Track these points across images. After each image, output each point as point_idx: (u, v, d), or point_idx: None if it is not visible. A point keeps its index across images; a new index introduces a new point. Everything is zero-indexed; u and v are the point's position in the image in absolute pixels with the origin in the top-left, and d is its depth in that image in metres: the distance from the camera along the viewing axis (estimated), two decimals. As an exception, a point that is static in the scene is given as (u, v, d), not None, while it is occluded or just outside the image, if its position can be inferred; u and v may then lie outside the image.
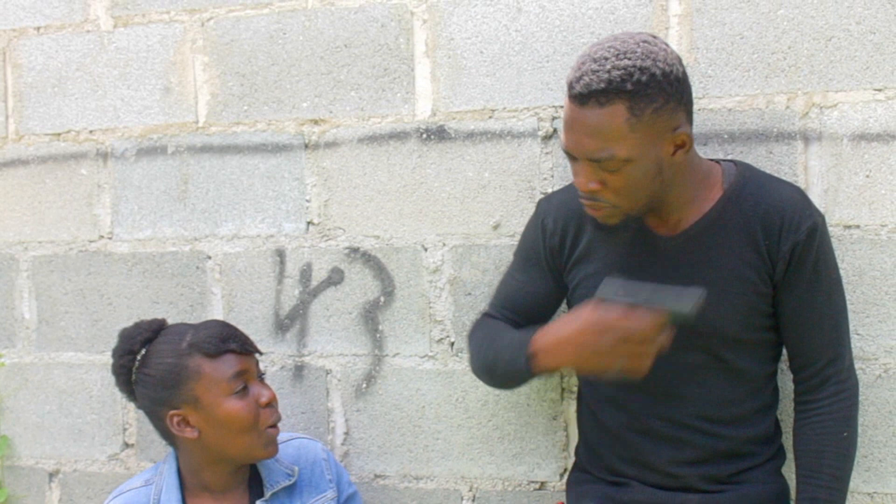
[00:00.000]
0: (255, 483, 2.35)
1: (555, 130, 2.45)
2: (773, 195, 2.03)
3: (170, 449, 2.37)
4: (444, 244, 2.56)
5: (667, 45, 1.94)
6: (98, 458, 2.88)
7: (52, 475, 2.93)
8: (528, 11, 2.46)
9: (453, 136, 2.54)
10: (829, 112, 2.28)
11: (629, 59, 1.85)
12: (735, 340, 2.05)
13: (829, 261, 2.07)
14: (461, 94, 2.53)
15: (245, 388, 2.25)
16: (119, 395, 2.82)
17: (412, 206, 2.58)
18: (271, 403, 2.28)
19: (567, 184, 2.25)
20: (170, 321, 2.72)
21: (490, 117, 2.51)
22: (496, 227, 2.52)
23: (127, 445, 2.85)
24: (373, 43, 2.59)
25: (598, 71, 1.86)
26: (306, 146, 2.66)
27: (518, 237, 2.45)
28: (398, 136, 2.59)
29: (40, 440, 2.94)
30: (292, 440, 2.44)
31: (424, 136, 2.56)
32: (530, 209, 2.43)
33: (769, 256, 2.01)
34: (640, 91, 1.84)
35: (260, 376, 2.31)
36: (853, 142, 2.27)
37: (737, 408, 2.10)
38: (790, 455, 2.18)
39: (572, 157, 1.96)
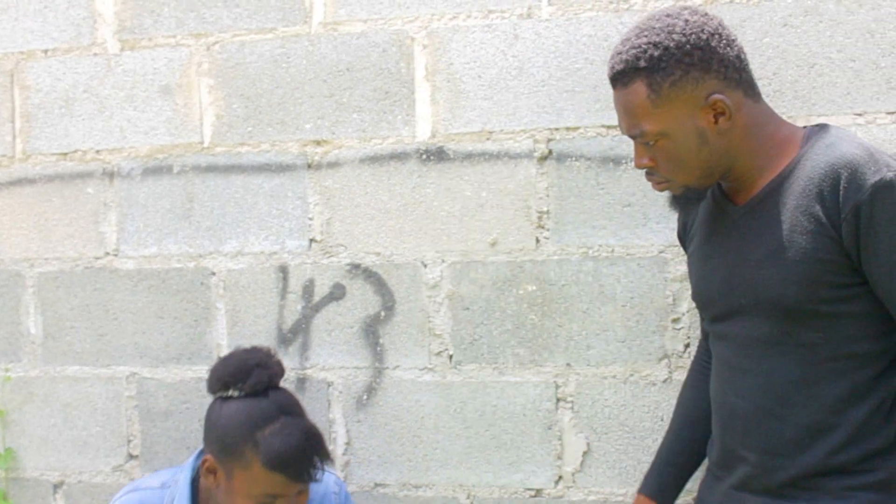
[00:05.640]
0: None
1: (550, 152, 2.56)
2: (833, 155, 1.86)
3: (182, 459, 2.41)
4: (443, 261, 2.66)
5: (700, 14, 1.93)
6: (102, 470, 2.95)
7: (56, 486, 3.00)
8: (525, 38, 2.58)
9: (452, 156, 2.65)
10: (812, 135, 2.40)
11: (645, 36, 1.90)
12: (798, 311, 1.88)
13: None
14: (460, 117, 2.64)
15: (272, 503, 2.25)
16: (124, 408, 2.91)
17: (412, 224, 2.68)
18: None
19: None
20: (175, 336, 2.85)
21: (488, 139, 2.62)
22: (493, 244, 2.62)
23: (131, 457, 2.92)
24: (374, 67, 2.70)
25: (620, 53, 1.93)
26: (309, 166, 2.75)
27: (514, 254, 2.57)
28: (399, 156, 2.69)
29: (45, 452, 3.00)
30: None
31: (424, 156, 2.67)
32: (527, 227, 2.56)
33: (829, 221, 1.84)
34: (654, 66, 1.88)
35: (303, 489, 2.28)
36: (834, 163, 2.38)
37: (814, 389, 1.90)
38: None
39: None
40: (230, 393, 2.30)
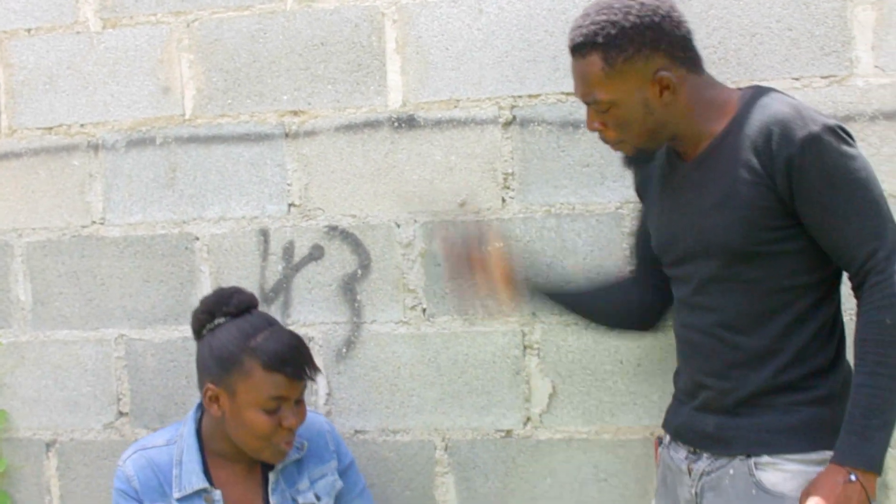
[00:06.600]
0: None
1: (514, 118, 2.75)
2: (766, 114, 2.10)
3: (185, 415, 2.54)
4: (416, 221, 2.83)
5: None
6: (94, 427, 3.09)
7: (49, 445, 3.13)
8: (489, 12, 2.76)
9: (422, 124, 2.82)
10: (754, 98, 2.60)
11: (605, 14, 2.12)
12: (743, 253, 2.12)
13: (842, 165, 2.05)
14: (429, 87, 2.82)
15: (278, 409, 2.40)
16: (113, 368, 3.06)
17: (386, 188, 2.85)
18: (293, 428, 2.44)
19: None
20: (161, 298, 2.99)
21: (455, 107, 2.80)
22: (462, 204, 2.80)
23: (121, 414, 3.07)
24: (347, 41, 2.86)
25: (580, 26, 2.15)
26: (287, 135, 2.92)
27: (482, 213, 2.76)
28: (372, 124, 2.86)
29: (37, 413, 3.13)
30: None
31: (396, 124, 2.84)
32: (493, 188, 2.75)
33: (765, 171, 2.06)
34: (609, 43, 2.10)
35: (300, 398, 2.46)
36: (774, 124, 2.60)
37: (760, 319, 2.14)
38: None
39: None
40: (216, 321, 2.48)
